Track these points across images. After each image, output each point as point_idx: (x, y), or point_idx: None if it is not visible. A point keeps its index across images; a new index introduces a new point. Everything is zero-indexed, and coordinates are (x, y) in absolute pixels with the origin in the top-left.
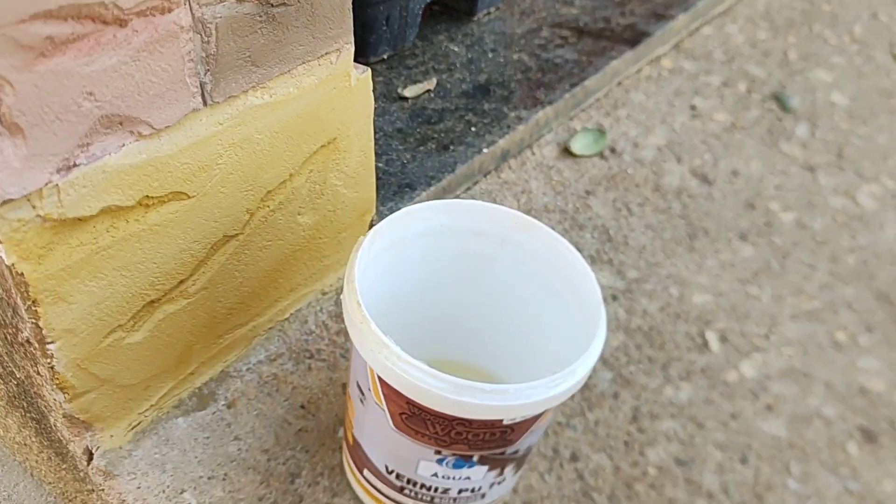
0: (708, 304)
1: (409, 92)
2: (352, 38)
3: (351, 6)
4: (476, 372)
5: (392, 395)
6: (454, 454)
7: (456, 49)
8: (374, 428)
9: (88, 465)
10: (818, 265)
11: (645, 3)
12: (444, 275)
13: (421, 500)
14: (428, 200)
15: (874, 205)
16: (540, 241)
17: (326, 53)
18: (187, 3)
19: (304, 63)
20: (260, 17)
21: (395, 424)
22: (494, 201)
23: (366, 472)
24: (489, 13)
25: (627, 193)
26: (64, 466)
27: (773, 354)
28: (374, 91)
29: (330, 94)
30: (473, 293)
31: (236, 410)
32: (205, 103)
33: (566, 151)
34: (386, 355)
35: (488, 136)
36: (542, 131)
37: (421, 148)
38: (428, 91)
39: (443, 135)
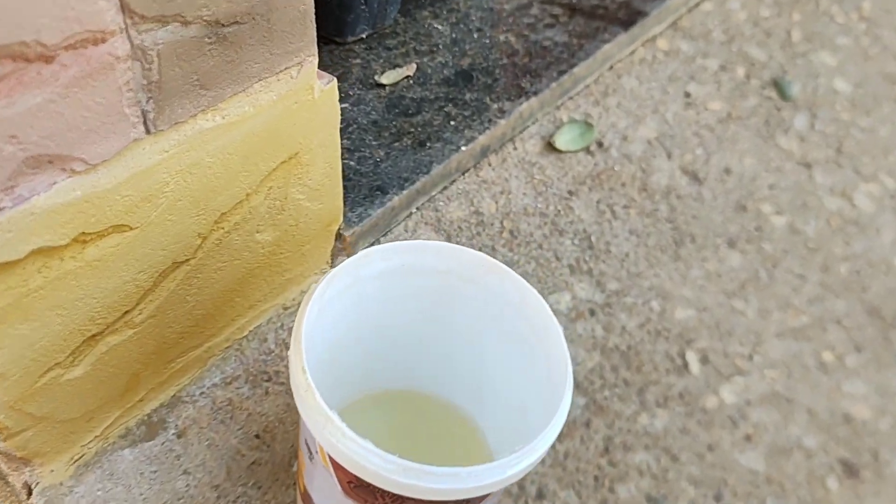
0: (690, 320)
1: (387, 79)
2: (315, 50)
3: (313, 17)
4: (438, 403)
5: (339, 465)
6: None
7: (440, 27)
8: (323, 488)
9: (28, 500)
10: (809, 275)
11: None
12: (406, 311)
13: None
14: (400, 203)
15: (871, 207)
16: (508, 285)
17: (286, 68)
18: (124, 31)
19: (260, 80)
20: (209, 38)
21: (343, 490)
22: (472, 203)
23: None
24: None
25: (613, 194)
26: (11, 496)
27: (756, 377)
28: (350, 76)
29: (290, 110)
30: (436, 329)
31: (187, 440)
32: (147, 132)
33: (550, 146)
34: (331, 430)
35: (468, 132)
36: (526, 123)
37: (396, 144)
38: (407, 77)
39: (420, 129)
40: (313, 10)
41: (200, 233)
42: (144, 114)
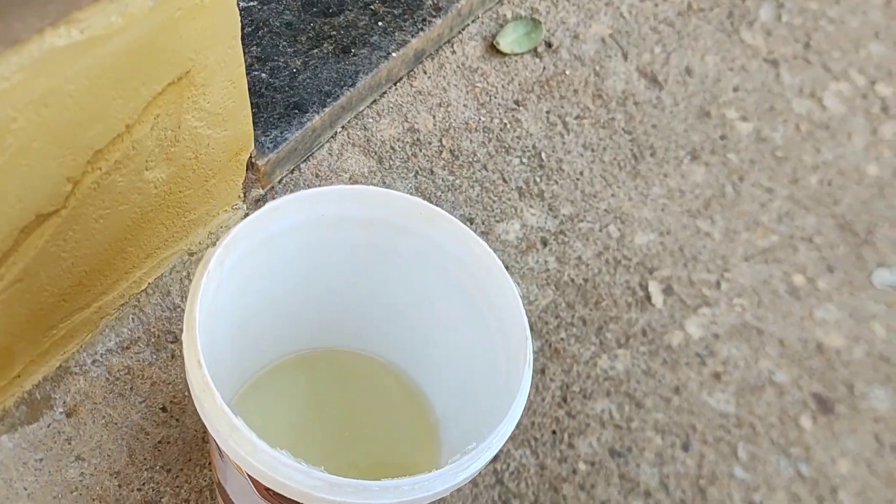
0: (652, 245)
1: None
2: None
3: None
4: (375, 363)
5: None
6: None
7: None
8: (237, 487)
9: None
10: (777, 189)
11: None
12: (331, 268)
13: None
14: (322, 123)
15: (842, 108)
16: (449, 236)
17: None
18: None
19: None
20: None
21: (261, 494)
22: (405, 118)
23: None
24: None
25: (564, 102)
26: None
27: (724, 307)
28: None
29: (173, 19)
30: (369, 285)
31: (78, 420)
32: None
33: (493, 49)
34: (237, 441)
35: (399, 35)
36: (466, 22)
37: (315, 51)
38: None
39: (343, 32)
40: None
41: (70, 177)
42: None
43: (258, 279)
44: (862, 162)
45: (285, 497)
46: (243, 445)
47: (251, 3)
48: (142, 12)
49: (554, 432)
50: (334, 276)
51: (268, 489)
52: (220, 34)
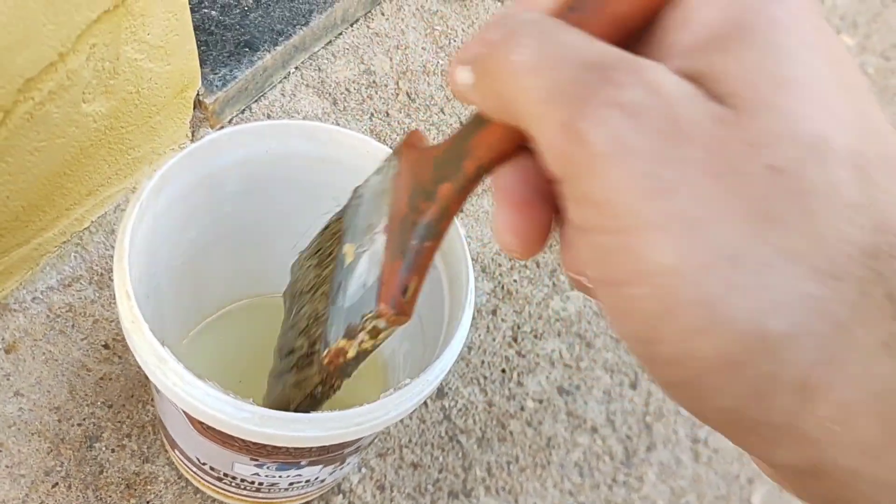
0: None
1: None
2: None
3: None
4: None
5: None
6: (275, 462)
7: None
8: (175, 421)
9: None
10: None
11: None
12: (278, 206)
13: (245, 489)
14: (274, 62)
15: None
16: None
17: None
18: None
19: None
20: None
21: (196, 429)
22: (362, 60)
23: (177, 452)
24: None
25: None
26: None
27: None
28: None
29: None
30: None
31: (17, 356)
32: None
33: None
34: (165, 373)
35: None
36: None
37: None
38: None
39: None
40: None
41: (0, 105)
42: None
43: (200, 215)
44: None
45: (218, 430)
46: (171, 377)
47: None
48: None
49: (503, 371)
50: (282, 216)
51: (201, 423)
52: None
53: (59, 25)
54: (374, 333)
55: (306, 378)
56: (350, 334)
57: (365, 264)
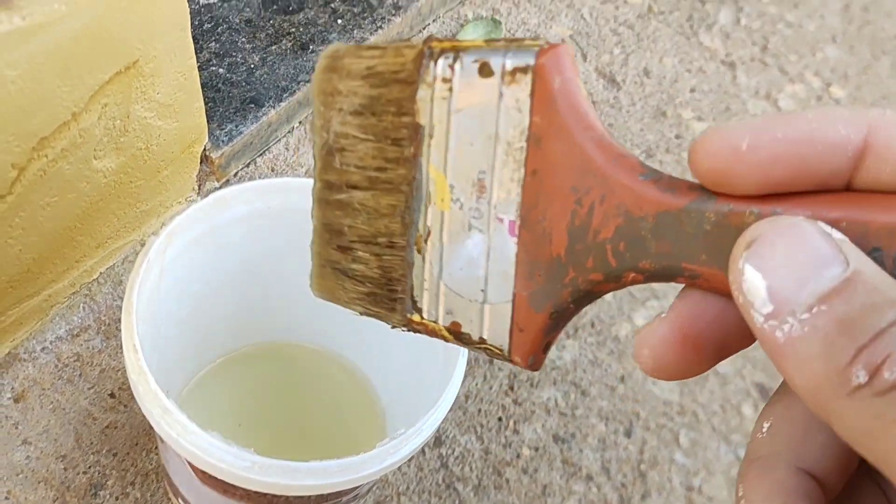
0: None
1: None
2: None
3: None
4: (324, 356)
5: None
6: None
7: None
8: (178, 469)
9: None
10: None
11: None
12: (280, 258)
13: None
14: (278, 117)
15: (796, 109)
16: None
17: None
18: None
19: None
20: None
21: (198, 477)
22: None
23: (180, 500)
24: None
25: None
26: None
27: (672, 300)
28: None
29: (119, 7)
30: None
31: (26, 405)
32: None
33: None
34: (169, 423)
35: (357, 33)
36: (426, 21)
37: (273, 47)
38: None
39: (302, 29)
40: None
41: (15, 163)
42: None
43: (204, 268)
44: None
45: (219, 479)
46: (175, 428)
47: (211, 1)
48: (86, 0)
49: (500, 419)
50: (282, 267)
51: (203, 472)
52: (168, 23)
53: (73, 87)
54: (487, 353)
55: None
56: (455, 334)
57: (478, 249)
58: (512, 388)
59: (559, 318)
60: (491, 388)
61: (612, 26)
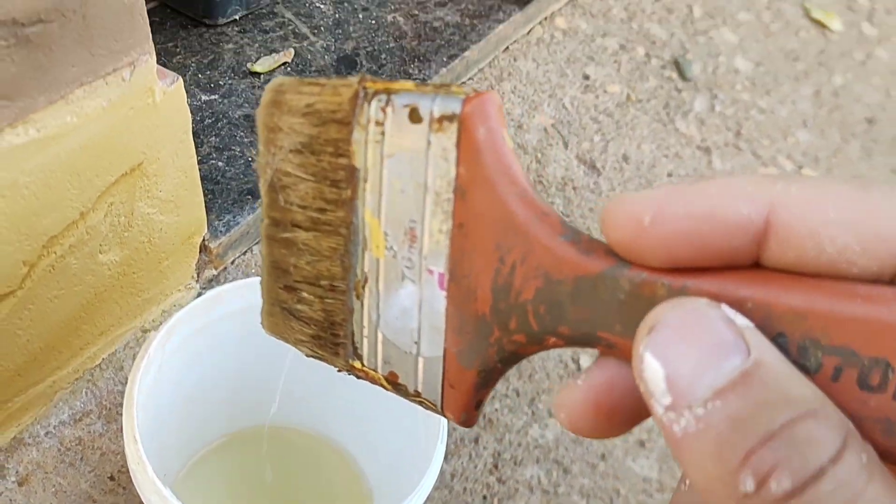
0: None
1: (262, 66)
2: (151, 47)
3: (144, 9)
4: (314, 440)
5: None
6: None
7: (322, 7)
8: None
9: None
10: None
11: None
12: (271, 348)
13: None
14: None
15: None
16: None
17: (115, 70)
18: None
19: (82, 86)
20: (6, 42)
21: None
22: None
23: None
24: None
25: None
26: None
27: None
28: (220, 64)
29: (126, 117)
30: (306, 363)
31: (29, 488)
32: None
33: None
34: None
35: None
36: None
37: None
38: (284, 64)
39: None
40: (143, 2)
41: (26, 260)
42: None
43: (202, 359)
44: None
45: None
46: None
47: (212, 97)
48: (96, 112)
49: (485, 497)
50: (274, 356)
51: None
52: (171, 130)
53: (81, 190)
54: (423, 406)
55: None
56: (393, 384)
57: (411, 300)
58: (496, 467)
59: (487, 377)
60: (476, 466)
61: (592, 114)
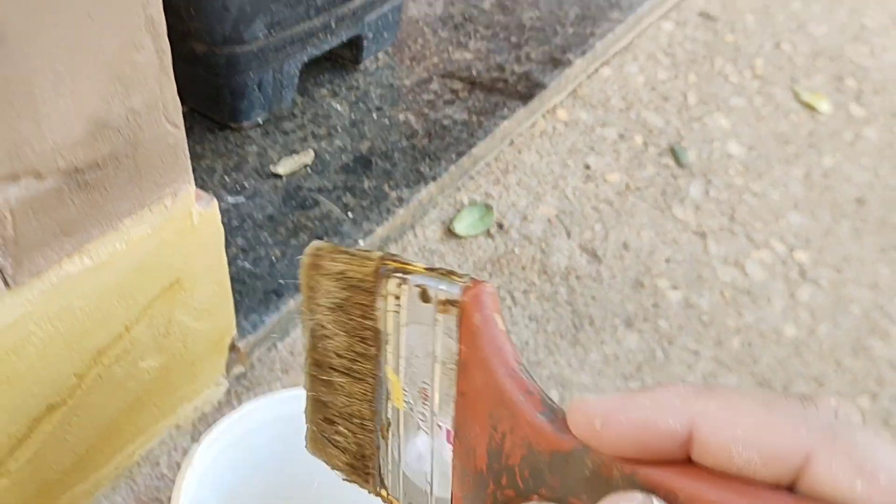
0: None
1: (283, 168)
2: (190, 177)
3: (185, 146)
4: None
5: None
6: None
7: (338, 107)
8: None
9: None
10: (702, 351)
11: (542, 45)
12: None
13: None
14: (297, 305)
15: (763, 275)
16: None
17: (159, 199)
18: None
19: (131, 215)
20: (68, 187)
21: None
22: None
23: None
24: (377, 59)
25: (513, 278)
26: None
27: None
28: (245, 166)
29: (168, 239)
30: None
31: None
32: (7, 286)
33: (450, 232)
34: None
35: (366, 224)
36: (426, 208)
37: (292, 241)
38: (304, 165)
39: (317, 223)
40: (185, 140)
41: (76, 372)
42: (1, 270)
43: (239, 466)
44: (780, 322)
45: None
46: None
47: (239, 200)
48: (141, 237)
49: None
50: (308, 462)
51: None
52: (207, 247)
53: (127, 307)
54: None
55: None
56: None
57: (426, 447)
58: None
59: None
60: None
61: (593, 203)
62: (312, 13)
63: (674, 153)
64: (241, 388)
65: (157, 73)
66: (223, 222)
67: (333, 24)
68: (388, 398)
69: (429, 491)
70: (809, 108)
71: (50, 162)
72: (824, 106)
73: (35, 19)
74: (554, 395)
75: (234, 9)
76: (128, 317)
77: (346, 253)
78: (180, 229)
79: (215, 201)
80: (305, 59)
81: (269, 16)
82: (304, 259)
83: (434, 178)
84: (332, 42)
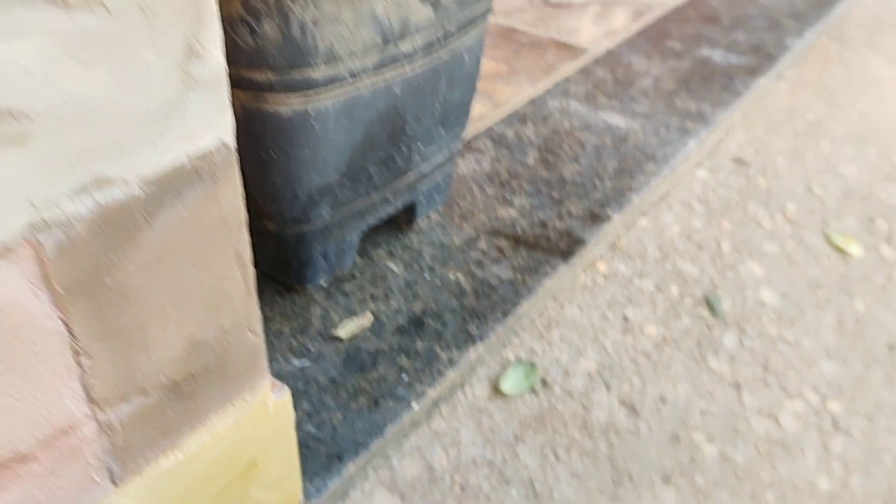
0: None
1: (344, 331)
2: (267, 372)
3: (264, 350)
4: None
5: None
6: None
7: (394, 268)
8: None
9: None
10: None
11: (581, 199)
12: None
13: None
14: (357, 469)
15: (796, 426)
16: None
17: (240, 394)
18: (91, 416)
19: (216, 411)
20: (168, 399)
21: None
22: (423, 458)
23: None
24: (429, 217)
25: (556, 436)
26: None
27: None
28: (310, 328)
29: (247, 428)
30: None
31: None
32: (115, 485)
33: (497, 390)
34: None
35: (418, 386)
36: (475, 367)
37: (352, 404)
38: (363, 328)
39: (374, 386)
40: (263, 344)
41: None
42: (111, 472)
43: None
44: (814, 475)
45: None
46: None
47: (305, 364)
48: (225, 430)
49: None
50: None
51: None
52: (280, 431)
53: (209, 488)
54: None
55: None
56: None
57: None
58: None
59: None
60: None
61: (631, 356)
62: (372, 191)
63: (708, 303)
64: None
65: (244, 295)
66: (290, 385)
67: (391, 197)
68: None
69: None
70: (840, 251)
71: (154, 380)
72: (855, 249)
73: (152, 276)
74: None
75: (302, 196)
76: (208, 496)
77: None
78: (258, 419)
79: (287, 390)
80: (365, 227)
81: (333, 197)
82: None
83: (482, 338)
84: (389, 210)
